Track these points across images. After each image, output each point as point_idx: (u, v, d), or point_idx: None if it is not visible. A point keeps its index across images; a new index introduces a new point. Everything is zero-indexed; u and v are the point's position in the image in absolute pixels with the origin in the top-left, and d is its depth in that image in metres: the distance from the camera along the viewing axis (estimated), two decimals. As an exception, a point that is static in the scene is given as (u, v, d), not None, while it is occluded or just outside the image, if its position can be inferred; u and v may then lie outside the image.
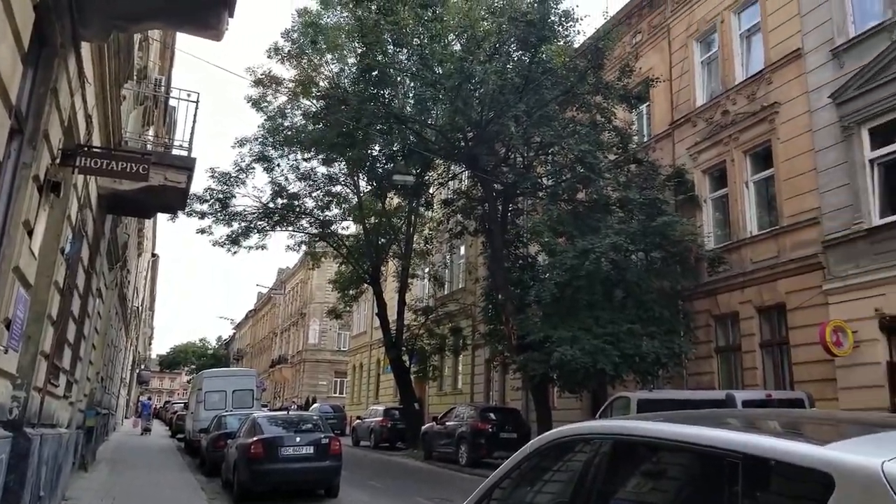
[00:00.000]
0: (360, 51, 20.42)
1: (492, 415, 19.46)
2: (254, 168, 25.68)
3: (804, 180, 14.04)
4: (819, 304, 13.24)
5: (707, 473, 2.27)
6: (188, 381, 70.66)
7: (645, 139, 19.53)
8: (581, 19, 17.29)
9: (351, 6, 20.06)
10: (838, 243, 13.06)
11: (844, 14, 13.59)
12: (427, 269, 29.87)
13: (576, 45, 17.93)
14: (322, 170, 26.41)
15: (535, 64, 16.84)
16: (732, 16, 16.78)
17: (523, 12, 16.65)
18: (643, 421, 2.87)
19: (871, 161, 12.75)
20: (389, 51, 19.34)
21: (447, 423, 20.33)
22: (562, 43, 17.41)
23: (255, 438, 12.33)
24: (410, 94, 21.09)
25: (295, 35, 23.35)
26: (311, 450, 12.29)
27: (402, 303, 26.36)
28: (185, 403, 34.85)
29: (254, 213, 25.80)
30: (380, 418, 27.20)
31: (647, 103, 19.53)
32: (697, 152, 17.15)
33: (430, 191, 25.38)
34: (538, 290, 15.74)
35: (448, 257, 30.05)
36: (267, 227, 26.28)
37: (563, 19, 17.07)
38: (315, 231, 27.90)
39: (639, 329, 14.62)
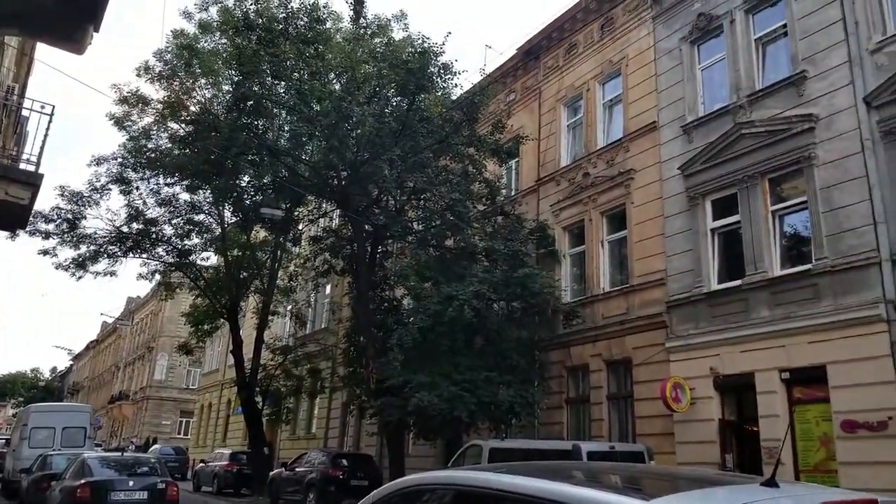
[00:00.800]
0: (236, 79, 19.90)
1: (344, 461, 18.92)
2: (110, 189, 24.04)
3: (653, 243, 15.06)
4: (662, 361, 14.10)
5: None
6: (13, 416, 63.94)
7: (513, 193, 20.29)
8: (459, 73, 17.84)
9: (230, 33, 19.61)
10: (680, 304, 14.05)
11: (696, 95, 14.94)
12: (290, 307, 29.04)
13: (453, 97, 18.45)
14: (185, 196, 25.17)
15: (412, 111, 17.11)
16: (598, 86, 17.98)
17: (404, 60, 16.95)
18: (485, 472, 2.90)
19: (713, 230, 13.94)
20: (267, 82, 19.00)
21: (297, 469, 19.55)
22: (440, 93, 17.85)
23: (82, 481, 11.30)
24: (286, 128, 20.76)
25: (168, 56, 22.45)
26: (144, 495, 11.41)
27: (259, 340, 25.33)
28: (6, 440, 31.42)
29: (105, 237, 24.08)
30: (225, 462, 25.73)
31: (517, 159, 20.37)
32: (560, 209, 18.01)
33: (299, 227, 24.88)
34: (401, 334, 15.67)
35: (312, 296, 29.41)
36: (119, 253, 24.57)
37: (442, 71, 17.51)
38: (172, 260, 26.37)
39: (496, 377, 14.87)
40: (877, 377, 10.63)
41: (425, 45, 17.01)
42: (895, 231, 10.96)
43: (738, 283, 13.06)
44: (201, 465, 28.75)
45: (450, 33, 17.14)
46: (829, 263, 11.63)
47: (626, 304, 15.54)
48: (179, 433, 51.35)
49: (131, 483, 11.57)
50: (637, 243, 15.56)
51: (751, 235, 12.97)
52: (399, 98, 18.20)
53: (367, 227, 19.17)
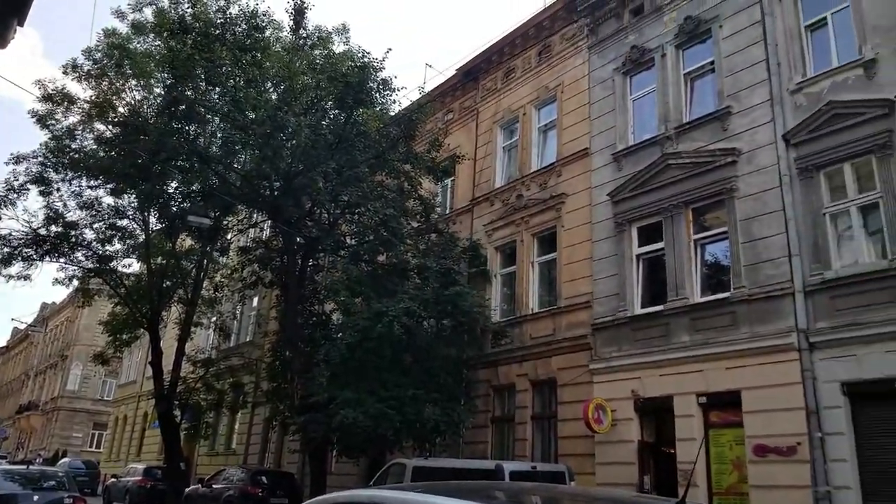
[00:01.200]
0: (168, 82, 19.36)
1: (263, 478, 18.42)
2: (28, 189, 22.87)
3: (581, 266, 15.36)
4: (586, 382, 14.33)
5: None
6: None
7: (447, 211, 20.39)
8: (398, 90, 17.88)
9: (165, 36, 19.08)
10: (605, 327, 14.35)
11: (627, 124, 15.39)
12: (214, 319, 28.19)
13: (391, 113, 18.45)
14: (109, 200, 24.19)
15: (349, 124, 17.02)
16: (534, 110, 18.32)
17: (343, 73, 16.85)
18: (406, 492, 2.91)
19: (638, 256, 14.33)
20: (201, 87, 18.55)
21: (214, 486, 18.92)
22: (378, 109, 17.81)
23: (-19, 495, 10.58)
24: (218, 135, 20.23)
25: (98, 55, 21.65)
26: (49, 510, 10.77)
27: (180, 352, 24.44)
28: None
29: (21, 239, 22.87)
30: (138, 477, 24.77)
31: (452, 178, 20.51)
32: (493, 229, 18.19)
33: (228, 236, 24.27)
34: (328, 350, 15.44)
35: (238, 308, 28.67)
36: (35, 256, 23.35)
37: (381, 86, 17.49)
38: (91, 266, 25.25)
39: (423, 395, 14.79)
40: (788, 404, 11.06)
41: (365, 59, 17.00)
42: (808, 263, 11.50)
43: (660, 308, 13.43)
44: (113, 479, 27.78)
45: (390, 49, 17.20)
46: (747, 292, 12.10)
47: (554, 326, 15.76)
48: (91, 446, 49.15)
49: (36, 498, 11.02)
50: (566, 266, 15.83)
51: (674, 262, 13.39)
52: (337, 111, 18.08)
53: (298, 239, 18.86)
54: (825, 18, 12.50)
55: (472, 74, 20.64)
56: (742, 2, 13.59)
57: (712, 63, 14.01)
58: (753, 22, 13.30)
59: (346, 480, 17.95)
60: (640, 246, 14.37)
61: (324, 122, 17.61)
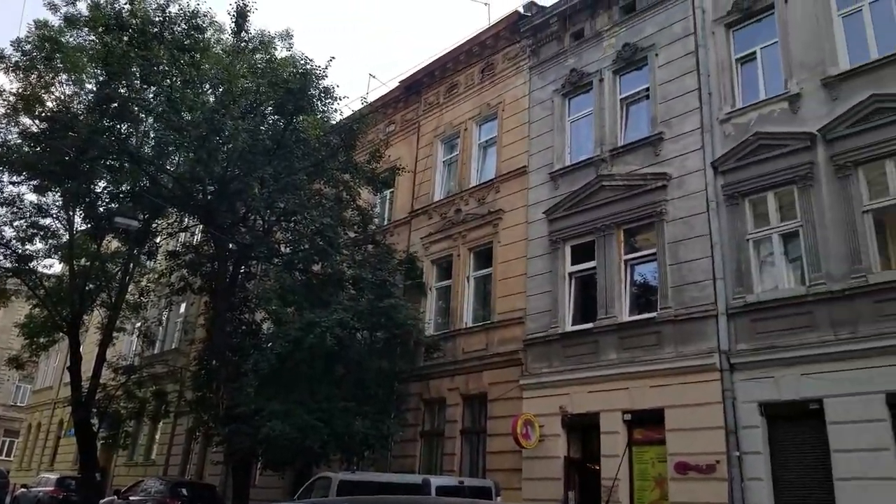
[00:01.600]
0: (101, 78, 18.67)
1: (183, 490, 17.80)
2: (-55, 185, 21.63)
3: (516, 282, 15.50)
4: (515, 398, 14.41)
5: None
6: None
7: (385, 223, 20.29)
8: (340, 99, 17.74)
9: (100, 31, 18.43)
10: (537, 343, 14.49)
11: (564, 145, 15.70)
12: (138, 324, 27.16)
13: (332, 122, 18.27)
14: (31, 197, 23.10)
15: (289, 131, 16.76)
16: (475, 126, 18.47)
17: (284, 79, 16.63)
18: None
19: (570, 274, 14.57)
20: (136, 85, 17.96)
21: (131, 498, 18.21)
22: (319, 117, 17.62)
23: None
24: (151, 135, 19.61)
25: (28, 47, 20.70)
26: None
27: (101, 358, 23.36)
28: None
29: (-68, 237, 21.60)
30: (51, 488, 23.57)
31: (392, 189, 20.44)
32: (430, 242, 18.18)
33: (157, 240, 23.48)
34: (257, 359, 15.03)
35: (165, 314, 27.73)
36: (-53, 254, 22.10)
37: (322, 94, 17.32)
38: (9, 265, 24.01)
39: (354, 407, 14.62)
40: (708, 423, 11.37)
41: (308, 66, 16.85)
42: (731, 287, 11.89)
43: (590, 325, 13.67)
44: (23, 490, 26.42)
45: (333, 58, 17.04)
46: (673, 313, 12.43)
47: (487, 340, 15.82)
48: (1, 454, 46.62)
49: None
50: (501, 281, 15.95)
51: (605, 281, 13.66)
52: (276, 117, 17.81)
53: (231, 245, 18.42)
54: (755, 52, 13.06)
55: (415, 88, 20.68)
56: (677, 32, 14.07)
57: (647, 90, 14.43)
58: (687, 52, 13.78)
59: (271, 494, 17.53)
60: (573, 264, 14.61)
61: (262, 128, 17.29)
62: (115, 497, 19.35)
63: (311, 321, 14.35)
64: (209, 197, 17.87)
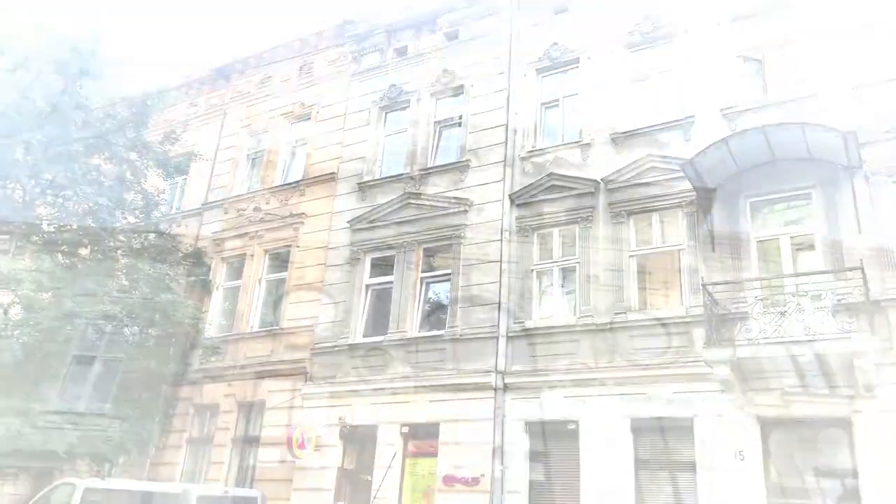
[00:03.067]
0: None
1: None
2: None
3: (311, 289, 15.13)
4: (296, 407, 14.00)
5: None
6: None
7: (173, 211, 18.79)
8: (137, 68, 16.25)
9: None
10: (325, 353, 14.25)
11: (376, 157, 15.79)
12: None
13: (123, 95, 16.58)
14: None
15: (68, 94, 14.93)
16: (287, 124, 17.86)
17: (71, 39, 14.83)
18: None
19: (368, 286, 14.61)
20: None
21: None
22: (105, 83, 15.90)
23: None
24: None
25: None
26: None
27: None
28: None
29: None
30: None
31: (185, 177, 19.05)
32: (223, 239, 17.18)
33: None
34: (-2, 348, 13.13)
35: None
36: None
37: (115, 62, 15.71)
38: None
39: (111, 409, 13.30)
40: (479, 438, 11.92)
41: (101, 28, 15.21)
42: (514, 312, 12.65)
43: (381, 338, 13.74)
44: None
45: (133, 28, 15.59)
46: (459, 332, 12.90)
47: (272, 347, 15.21)
48: None
49: None
50: (295, 287, 15.47)
51: (400, 296, 13.86)
52: (56, 76, 15.79)
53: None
54: (558, 100, 14.17)
55: (225, 72, 19.59)
56: (493, 68, 14.83)
57: (461, 118, 15.00)
58: (500, 89, 14.57)
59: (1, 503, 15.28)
60: (371, 277, 14.66)
61: (36, 84, 15.22)
62: None
63: (71, 311, 12.88)
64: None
